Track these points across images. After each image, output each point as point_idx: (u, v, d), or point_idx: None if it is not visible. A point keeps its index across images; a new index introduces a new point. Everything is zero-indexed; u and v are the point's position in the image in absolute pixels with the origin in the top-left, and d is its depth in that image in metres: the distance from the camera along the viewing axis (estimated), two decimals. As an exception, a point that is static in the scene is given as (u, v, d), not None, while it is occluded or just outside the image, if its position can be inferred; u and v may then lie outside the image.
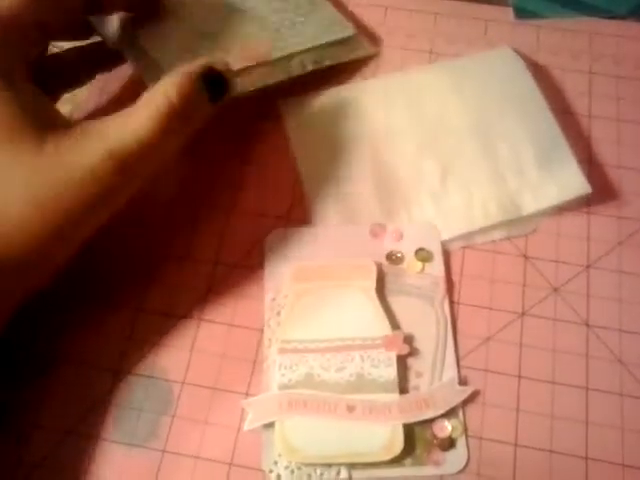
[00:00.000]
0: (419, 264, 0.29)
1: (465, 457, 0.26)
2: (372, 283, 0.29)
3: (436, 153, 0.32)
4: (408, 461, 0.26)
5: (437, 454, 0.26)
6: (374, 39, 0.36)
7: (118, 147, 0.24)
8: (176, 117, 0.25)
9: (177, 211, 0.31)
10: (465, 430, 0.26)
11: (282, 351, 0.27)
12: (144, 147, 0.25)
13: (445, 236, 0.30)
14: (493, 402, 0.27)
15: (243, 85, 0.31)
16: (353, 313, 0.28)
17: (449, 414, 0.26)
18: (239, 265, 0.30)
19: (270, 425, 0.26)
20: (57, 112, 0.27)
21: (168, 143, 0.26)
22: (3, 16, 0.26)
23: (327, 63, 0.34)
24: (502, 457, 0.26)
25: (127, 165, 0.24)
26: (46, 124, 0.25)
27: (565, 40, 0.36)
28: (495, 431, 0.26)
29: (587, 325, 0.28)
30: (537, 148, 0.31)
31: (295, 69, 0.33)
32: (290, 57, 0.33)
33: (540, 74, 0.34)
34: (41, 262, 0.25)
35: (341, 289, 0.29)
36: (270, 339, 0.28)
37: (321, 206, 0.31)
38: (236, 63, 0.31)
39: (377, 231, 0.30)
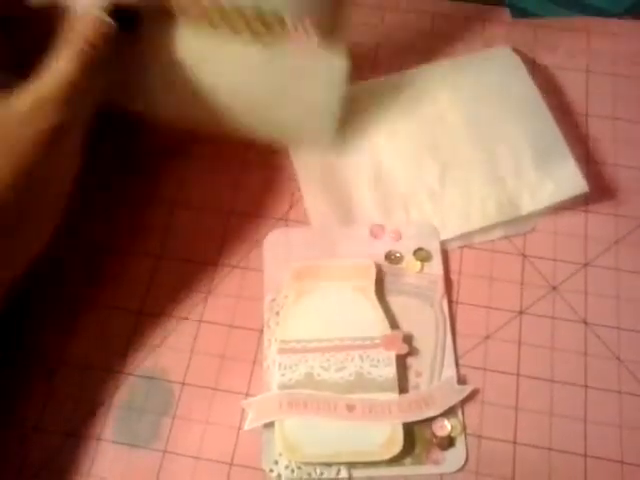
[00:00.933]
0: (418, 264, 0.30)
1: (464, 456, 0.26)
2: (371, 283, 0.29)
3: (434, 153, 0.32)
4: (408, 460, 0.26)
5: (436, 453, 0.26)
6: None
7: (47, 92, 0.26)
8: (94, 53, 0.27)
9: (177, 214, 0.32)
10: (464, 429, 0.27)
11: (282, 351, 0.28)
12: (71, 85, 0.26)
13: (444, 236, 0.30)
14: (492, 401, 0.27)
15: None
16: (352, 313, 0.28)
17: (448, 413, 0.27)
18: (239, 266, 0.30)
19: (270, 425, 0.26)
20: None
21: (92, 76, 0.27)
22: None
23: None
24: (501, 455, 0.26)
25: (58, 104, 0.26)
26: None
27: (562, 39, 0.36)
28: (494, 429, 0.27)
29: (585, 323, 0.29)
30: (535, 147, 0.31)
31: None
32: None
33: (537, 73, 0.35)
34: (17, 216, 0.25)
35: (340, 289, 0.29)
36: (270, 339, 0.28)
37: (320, 207, 0.31)
38: None
39: (376, 231, 0.30)
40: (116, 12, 0.27)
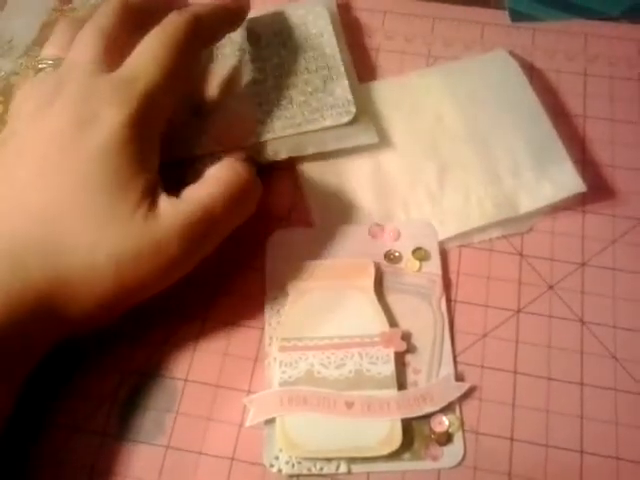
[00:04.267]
0: (417, 263, 0.30)
1: (462, 451, 0.27)
2: (370, 282, 0.29)
3: (433, 154, 0.33)
4: (406, 455, 0.26)
5: (435, 448, 0.27)
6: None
7: (189, 218, 0.26)
8: (244, 188, 0.28)
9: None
10: (462, 425, 0.27)
11: (283, 349, 0.28)
12: (208, 218, 0.26)
13: (442, 235, 0.31)
14: (489, 397, 0.28)
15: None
16: (352, 311, 0.29)
17: (446, 409, 0.27)
18: (242, 265, 0.31)
19: (271, 421, 0.27)
20: (159, 179, 0.28)
21: (229, 219, 0.28)
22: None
23: (310, 151, 0.32)
24: (498, 451, 0.27)
25: (194, 235, 0.26)
26: (146, 189, 0.26)
27: (560, 42, 0.36)
28: (491, 426, 0.27)
29: (582, 322, 0.29)
30: (533, 148, 0.32)
31: (272, 155, 0.32)
32: (271, 142, 0.32)
33: (536, 76, 0.35)
34: (94, 319, 0.26)
35: (340, 288, 0.29)
36: (271, 337, 0.29)
37: (321, 207, 0.32)
38: (210, 146, 0.31)
39: (375, 231, 0.31)
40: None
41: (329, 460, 0.26)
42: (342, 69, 0.33)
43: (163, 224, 0.26)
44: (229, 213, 0.27)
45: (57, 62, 0.29)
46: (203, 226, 0.26)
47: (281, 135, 0.32)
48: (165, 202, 0.26)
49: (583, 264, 0.30)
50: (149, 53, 0.27)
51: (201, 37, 0.29)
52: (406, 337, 0.28)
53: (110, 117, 0.26)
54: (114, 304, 0.26)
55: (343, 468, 0.26)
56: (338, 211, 0.32)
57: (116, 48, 0.28)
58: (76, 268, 0.25)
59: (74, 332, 0.26)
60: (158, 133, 0.28)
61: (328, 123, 0.32)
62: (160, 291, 0.27)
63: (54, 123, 0.26)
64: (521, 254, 0.31)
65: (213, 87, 0.34)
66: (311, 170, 0.33)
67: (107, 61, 0.28)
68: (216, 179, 0.28)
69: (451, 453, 0.27)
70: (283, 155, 0.32)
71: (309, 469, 0.26)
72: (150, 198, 0.26)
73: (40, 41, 0.37)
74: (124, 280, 0.25)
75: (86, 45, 0.28)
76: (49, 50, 0.30)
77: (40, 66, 0.30)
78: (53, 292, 0.24)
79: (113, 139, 0.25)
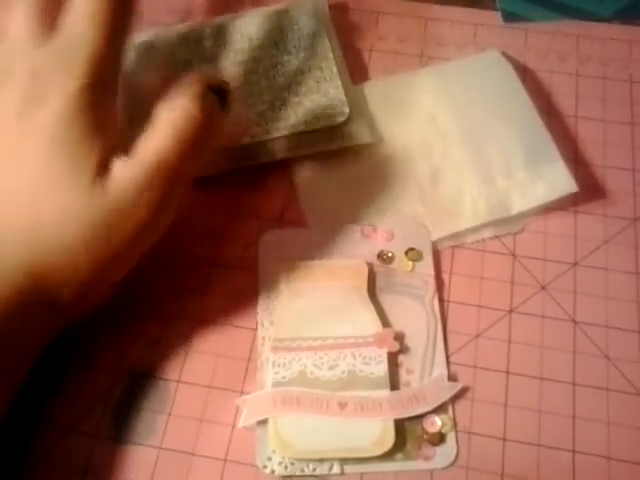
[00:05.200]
0: (409, 263, 0.30)
1: (455, 451, 0.27)
2: (363, 282, 0.29)
3: (426, 155, 0.33)
4: (399, 456, 0.26)
5: (427, 449, 0.27)
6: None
7: (145, 179, 0.25)
8: (200, 131, 0.26)
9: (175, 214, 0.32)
10: (455, 425, 0.27)
11: (275, 349, 0.28)
12: (166, 174, 0.25)
13: (435, 235, 0.31)
14: (482, 398, 0.28)
15: (205, 168, 0.30)
16: (345, 312, 0.29)
17: (439, 410, 0.27)
18: (234, 266, 0.31)
19: (264, 422, 0.27)
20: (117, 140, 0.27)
21: (189, 165, 0.26)
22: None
23: (303, 152, 0.32)
24: (491, 451, 0.27)
25: (155, 194, 0.25)
26: (103, 157, 0.25)
27: (552, 43, 0.36)
28: (484, 426, 0.27)
29: (574, 322, 0.29)
30: (525, 149, 0.32)
31: (265, 156, 0.32)
32: (264, 143, 0.32)
33: (528, 76, 0.35)
34: (82, 298, 0.26)
35: (333, 288, 0.29)
36: (264, 338, 0.29)
37: (314, 208, 0.32)
38: None
39: (368, 231, 0.31)
40: (217, 88, 0.27)
41: (322, 461, 0.26)
42: (335, 70, 0.33)
43: (122, 190, 0.25)
44: (187, 161, 0.26)
45: None
46: (162, 183, 0.25)
47: (275, 136, 0.32)
48: (120, 166, 0.25)
49: (575, 264, 0.30)
50: (83, 11, 0.26)
51: None
52: (399, 337, 0.28)
53: (60, 89, 0.25)
54: (95, 282, 0.26)
55: (336, 469, 0.26)
56: (331, 211, 0.32)
57: (50, 9, 0.27)
58: (49, 252, 0.24)
59: (68, 319, 0.26)
60: (113, 95, 0.27)
61: (322, 124, 0.32)
62: (135, 263, 0.27)
63: (5, 106, 0.25)
64: (514, 254, 0.31)
65: None
66: (304, 170, 0.33)
67: (46, 24, 0.26)
68: (167, 126, 0.26)
69: (444, 453, 0.27)
70: (277, 156, 0.32)
71: (302, 470, 0.26)
72: (108, 165, 0.25)
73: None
74: (97, 255, 0.25)
75: (23, 16, 0.27)
76: None
77: None
78: (33, 281, 0.24)
79: (66, 110, 0.25)
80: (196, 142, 0.26)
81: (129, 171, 0.25)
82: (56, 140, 0.25)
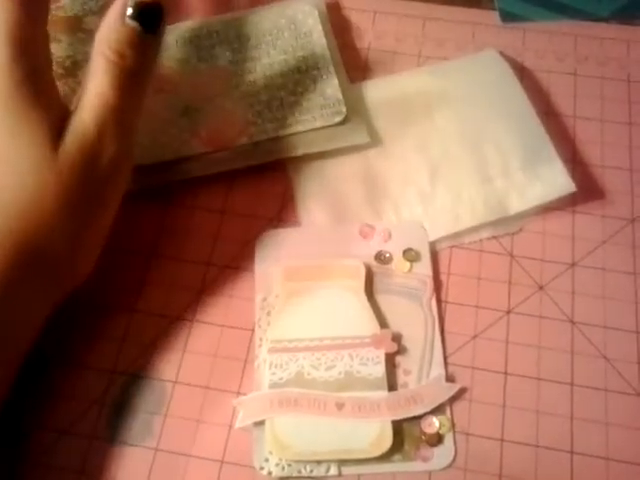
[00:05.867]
0: (407, 264, 0.30)
1: (452, 452, 0.26)
2: (361, 283, 0.29)
3: (424, 155, 0.32)
4: (397, 457, 0.26)
5: (425, 450, 0.26)
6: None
7: (93, 123, 0.25)
8: (128, 71, 0.26)
9: (170, 213, 0.32)
10: (452, 426, 0.27)
11: (273, 350, 0.28)
12: (116, 110, 0.26)
13: (433, 236, 0.31)
14: (480, 399, 0.27)
15: (202, 168, 0.32)
16: (342, 312, 0.29)
17: (437, 411, 0.27)
18: (230, 266, 0.30)
19: (261, 423, 0.27)
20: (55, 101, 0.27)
21: (130, 96, 0.26)
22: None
23: (300, 152, 0.32)
24: (489, 452, 0.27)
25: (112, 128, 0.26)
26: (46, 129, 0.25)
27: (550, 43, 0.36)
28: (482, 427, 0.27)
29: (572, 322, 0.29)
30: (523, 149, 0.32)
31: (262, 156, 0.32)
32: (262, 143, 0.32)
33: (526, 76, 0.35)
34: (73, 255, 0.26)
35: (330, 289, 0.29)
36: (261, 338, 0.29)
37: (311, 207, 0.32)
38: (198, 147, 0.31)
39: (366, 232, 0.31)
40: (138, 12, 0.26)
41: (319, 462, 0.26)
42: (332, 69, 0.33)
43: (80, 141, 0.25)
44: (129, 94, 0.26)
45: None
46: (113, 120, 0.26)
47: (272, 136, 0.32)
48: (72, 123, 0.25)
49: (573, 264, 0.30)
50: None
51: None
52: (397, 338, 0.28)
53: None
54: (80, 233, 0.26)
55: (333, 470, 0.26)
56: (329, 212, 0.31)
57: None
58: (22, 209, 0.25)
59: (66, 283, 0.27)
60: (48, 63, 0.27)
61: (319, 124, 0.32)
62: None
63: None
64: (511, 254, 0.31)
65: (202, 87, 0.33)
66: (302, 170, 0.32)
67: None
68: (98, 74, 0.26)
69: (442, 454, 0.26)
70: (274, 156, 0.32)
71: (299, 471, 0.26)
72: (62, 127, 0.25)
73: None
74: (74, 205, 0.25)
75: None
76: None
77: None
78: (17, 240, 0.24)
79: (3, 86, 0.25)
80: (131, 78, 0.26)
81: (81, 123, 0.25)
82: (2, 116, 0.25)
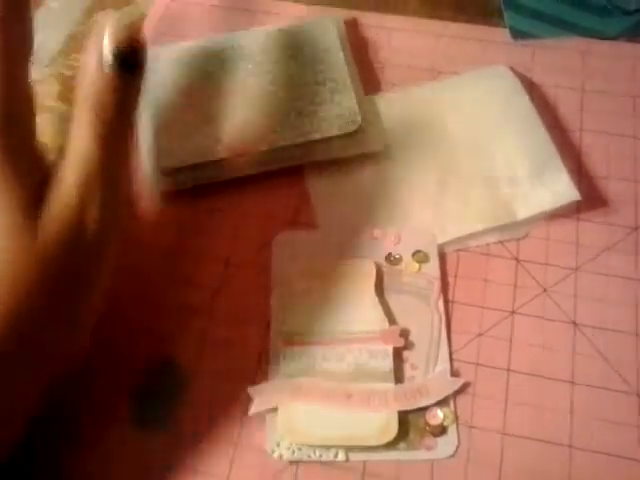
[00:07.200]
0: (416, 265, 0.31)
1: (455, 443, 0.28)
2: (372, 282, 0.31)
3: (435, 163, 0.34)
4: (402, 445, 0.28)
5: (429, 440, 0.28)
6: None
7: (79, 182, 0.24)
8: (110, 123, 0.24)
9: (190, 214, 0.34)
10: (456, 419, 0.28)
11: (287, 343, 0.30)
12: (100, 167, 0.24)
13: (441, 239, 0.32)
14: (483, 393, 0.29)
15: (225, 172, 0.34)
16: (354, 309, 0.30)
17: (441, 403, 0.28)
18: (249, 263, 0.32)
19: (274, 410, 0.28)
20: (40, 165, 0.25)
21: (112, 152, 0.25)
22: None
23: (317, 159, 0.34)
24: (490, 444, 0.28)
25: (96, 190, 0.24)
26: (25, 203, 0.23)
27: (559, 59, 0.38)
28: (484, 420, 0.28)
29: (574, 324, 0.30)
30: (530, 160, 0.33)
31: (281, 162, 0.34)
32: (281, 149, 0.33)
33: (535, 91, 0.37)
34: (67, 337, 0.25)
35: (343, 287, 0.31)
36: (276, 332, 0.30)
37: (326, 211, 0.33)
38: (221, 152, 0.33)
39: (377, 234, 0.32)
40: (118, 53, 0.24)
41: (328, 448, 0.28)
42: (349, 81, 0.35)
43: (62, 208, 0.23)
44: (111, 147, 0.24)
45: None
46: (96, 180, 0.24)
47: (291, 143, 0.34)
48: (53, 190, 0.24)
49: (577, 269, 0.32)
50: None
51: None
52: (404, 334, 0.30)
53: None
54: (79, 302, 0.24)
55: (341, 456, 0.27)
56: (342, 215, 0.33)
57: None
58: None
59: (51, 360, 0.25)
60: (30, 130, 0.24)
61: (335, 132, 0.34)
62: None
63: None
64: (517, 259, 0.32)
65: (226, 97, 0.35)
66: (317, 176, 0.34)
67: None
68: (77, 154, 0.24)
69: (445, 444, 0.28)
70: (292, 162, 0.34)
71: (309, 456, 0.27)
72: (41, 197, 0.23)
73: (65, 52, 0.39)
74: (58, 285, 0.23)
75: None
76: None
77: None
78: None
79: None
80: (114, 129, 0.24)
81: (63, 186, 0.24)
82: None
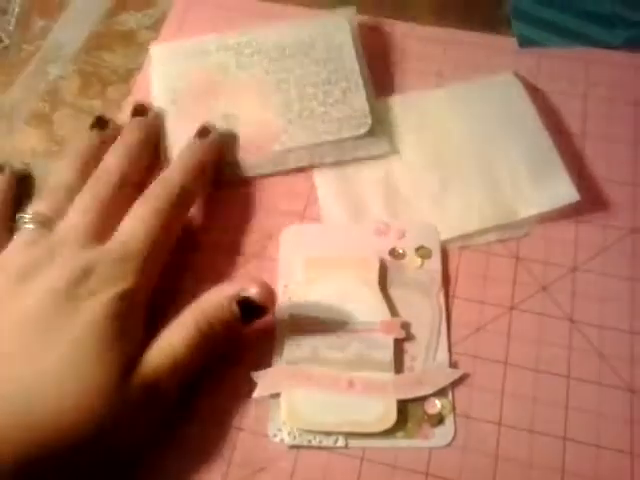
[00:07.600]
0: (419, 260, 0.32)
1: (452, 433, 0.28)
2: (375, 275, 0.32)
3: (439, 165, 0.35)
4: (400, 434, 0.28)
5: (427, 429, 0.29)
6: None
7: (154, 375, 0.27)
8: (208, 340, 0.28)
9: (204, 208, 0.35)
10: (454, 409, 0.29)
11: (292, 331, 0.31)
12: (179, 367, 0.28)
13: (444, 236, 0.33)
14: (480, 385, 0.30)
15: (237, 171, 0.35)
16: (357, 300, 0.31)
17: (439, 393, 0.29)
18: (257, 256, 0.33)
19: (277, 395, 0.29)
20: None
21: (199, 358, 0.28)
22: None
23: (328, 160, 0.35)
24: (486, 434, 0.28)
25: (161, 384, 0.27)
26: (125, 365, 0.26)
27: (563, 67, 0.39)
28: (481, 411, 0.29)
29: (571, 320, 0.31)
30: (532, 162, 0.34)
31: (292, 162, 0.35)
32: (289, 151, 0.35)
33: (540, 97, 0.38)
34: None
35: (347, 279, 0.32)
36: (282, 320, 0.31)
37: (333, 206, 0.34)
38: (235, 152, 0.35)
39: (382, 229, 0.33)
40: (243, 303, 0.28)
41: (328, 434, 0.28)
42: (361, 82, 0.36)
43: (140, 388, 0.26)
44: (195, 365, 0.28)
45: (44, 221, 0.30)
46: (172, 379, 0.27)
47: (303, 144, 0.35)
48: (137, 378, 0.27)
49: (575, 268, 0.32)
50: (140, 225, 0.29)
51: (185, 204, 0.32)
52: (405, 326, 0.31)
53: (104, 293, 0.27)
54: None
55: (341, 442, 0.28)
56: (349, 211, 0.34)
57: (108, 218, 0.30)
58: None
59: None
60: (144, 305, 0.29)
61: (346, 134, 0.35)
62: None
63: (41, 295, 0.26)
64: (517, 257, 0.33)
65: (240, 94, 0.37)
66: (326, 173, 0.35)
67: (99, 229, 0.29)
68: (170, 353, 0.27)
69: (442, 434, 0.28)
70: (303, 163, 0.35)
71: (309, 441, 0.28)
72: (131, 369, 0.26)
73: (86, 49, 0.41)
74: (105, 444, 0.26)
75: (83, 214, 0.29)
76: (39, 206, 0.30)
77: (26, 225, 0.30)
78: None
79: (104, 313, 0.26)
80: (202, 348, 0.28)
81: (151, 369, 0.27)
82: (86, 341, 0.26)
